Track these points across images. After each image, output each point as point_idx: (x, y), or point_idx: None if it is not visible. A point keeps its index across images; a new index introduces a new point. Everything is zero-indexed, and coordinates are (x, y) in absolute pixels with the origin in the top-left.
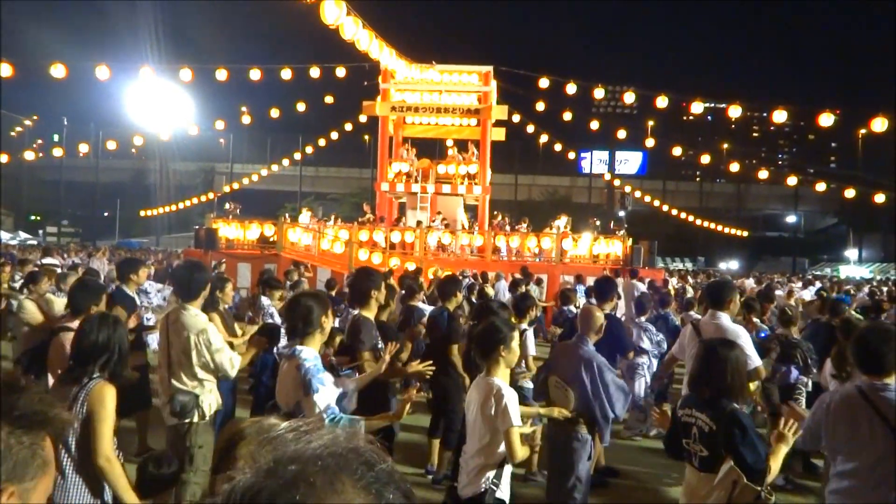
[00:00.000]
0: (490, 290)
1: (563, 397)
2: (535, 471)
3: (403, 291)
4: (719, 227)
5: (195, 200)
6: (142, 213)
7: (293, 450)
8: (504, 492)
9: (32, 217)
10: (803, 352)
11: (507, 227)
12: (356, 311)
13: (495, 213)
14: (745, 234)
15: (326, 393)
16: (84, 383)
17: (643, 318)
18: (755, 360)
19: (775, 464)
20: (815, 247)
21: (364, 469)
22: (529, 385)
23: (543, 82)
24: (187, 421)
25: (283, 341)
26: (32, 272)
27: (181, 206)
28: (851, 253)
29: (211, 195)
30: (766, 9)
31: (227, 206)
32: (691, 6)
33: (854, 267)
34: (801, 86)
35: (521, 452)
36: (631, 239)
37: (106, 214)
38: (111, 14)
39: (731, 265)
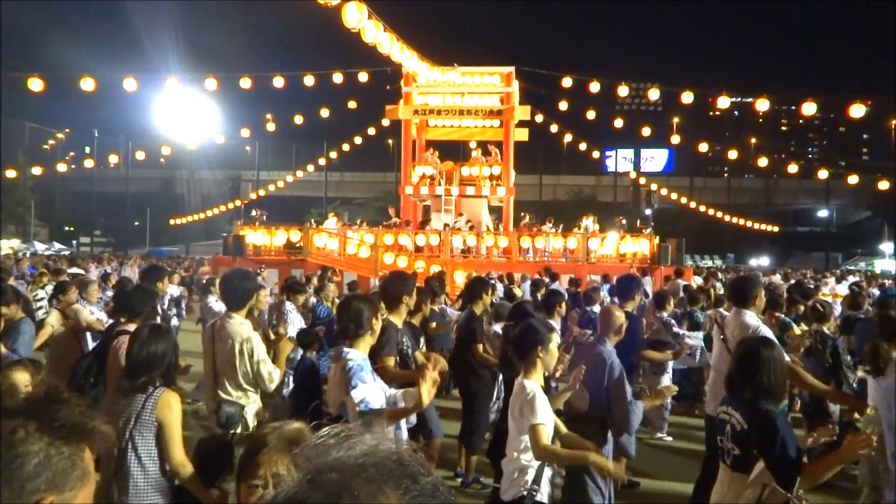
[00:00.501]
0: (518, 291)
1: (580, 398)
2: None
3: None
4: (748, 223)
5: (223, 208)
6: (171, 222)
7: (334, 458)
8: (544, 494)
9: (66, 228)
10: (834, 349)
11: (535, 228)
12: (384, 316)
13: (522, 213)
14: (776, 229)
15: (365, 389)
16: (150, 392)
17: (665, 314)
18: None
19: (824, 473)
20: (849, 241)
21: (409, 482)
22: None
23: (566, 81)
24: (231, 432)
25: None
26: (61, 282)
27: (209, 213)
28: (887, 246)
29: (238, 203)
30: (793, 1)
31: (253, 213)
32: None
33: (889, 261)
34: (831, 77)
35: (542, 451)
36: (658, 237)
37: (137, 224)
38: (137, 26)
39: (761, 261)
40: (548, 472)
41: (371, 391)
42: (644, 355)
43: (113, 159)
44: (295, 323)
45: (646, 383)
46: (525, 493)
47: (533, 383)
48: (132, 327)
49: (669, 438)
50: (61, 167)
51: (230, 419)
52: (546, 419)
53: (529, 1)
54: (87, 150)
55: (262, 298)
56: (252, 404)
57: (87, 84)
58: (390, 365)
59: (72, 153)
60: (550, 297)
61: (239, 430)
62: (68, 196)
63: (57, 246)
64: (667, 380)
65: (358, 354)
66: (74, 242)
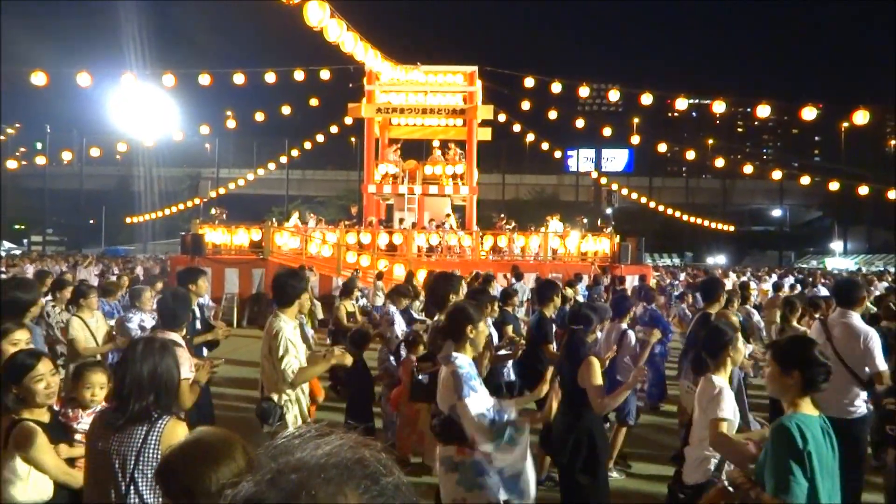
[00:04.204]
0: (570, 292)
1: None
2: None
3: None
4: (706, 223)
5: (181, 206)
6: (127, 221)
7: (297, 458)
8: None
9: (16, 226)
10: None
11: (509, 228)
12: (437, 317)
13: (501, 215)
14: (732, 228)
15: (478, 399)
16: (151, 423)
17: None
18: (880, 363)
19: None
20: (801, 240)
21: (369, 482)
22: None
23: (529, 81)
24: (271, 430)
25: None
26: (80, 286)
27: (167, 212)
28: (837, 245)
29: (197, 201)
30: (748, 4)
31: (213, 211)
32: (675, 3)
33: (840, 259)
34: (785, 81)
35: (718, 443)
36: (618, 236)
37: (91, 222)
38: (93, 20)
39: (718, 259)
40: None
41: (484, 401)
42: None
43: (66, 156)
44: (401, 325)
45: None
46: (705, 480)
47: (721, 379)
48: (174, 336)
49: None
50: (11, 163)
51: (264, 415)
52: (729, 415)
53: (493, 1)
54: (39, 145)
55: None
56: (293, 403)
57: (39, 78)
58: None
59: (22, 149)
60: (621, 301)
61: (278, 429)
62: (19, 193)
63: (7, 245)
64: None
65: (465, 360)
66: (25, 241)
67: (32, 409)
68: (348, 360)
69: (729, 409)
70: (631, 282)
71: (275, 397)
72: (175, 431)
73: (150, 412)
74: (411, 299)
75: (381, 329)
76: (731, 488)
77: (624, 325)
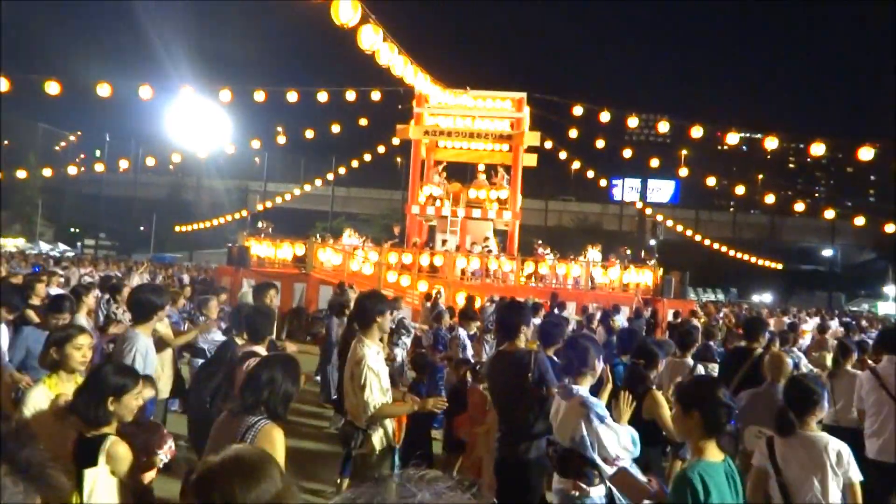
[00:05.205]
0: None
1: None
2: None
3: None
4: (752, 259)
5: (229, 218)
6: (177, 229)
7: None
8: None
9: (72, 230)
10: None
11: (550, 256)
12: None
13: (539, 241)
14: (779, 266)
15: (612, 435)
16: (252, 424)
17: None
18: None
19: None
20: (852, 282)
21: None
22: None
23: (577, 109)
24: (356, 453)
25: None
26: (114, 283)
27: (215, 222)
28: (890, 289)
29: (244, 213)
30: (805, 39)
31: (259, 224)
32: (729, 35)
33: (893, 304)
34: (841, 117)
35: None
36: (662, 268)
37: (142, 229)
38: (154, 36)
39: (764, 297)
40: None
41: (621, 436)
42: None
43: (123, 164)
44: (468, 349)
45: None
46: None
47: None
48: (258, 349)
49: None
50: (71, 169)
51: (346, 438)
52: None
53: (543, 28)
54: (98, 153)
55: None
56: (378, 426)
57: (104, 90)
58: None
59: (82, 156)
60: (688, 335)
61: (364, 452)
62: (76, 198)
63: (62, 247)
64: None
65: (585, 392)
66: (79, 244)
67: (112, 424)
68: (439, 405)
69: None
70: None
71: (356, 422)
72: (271, 434)
73: (255, 409)
74: (481, 323)
75: (451, 352)
76: None
77: (689, 360)
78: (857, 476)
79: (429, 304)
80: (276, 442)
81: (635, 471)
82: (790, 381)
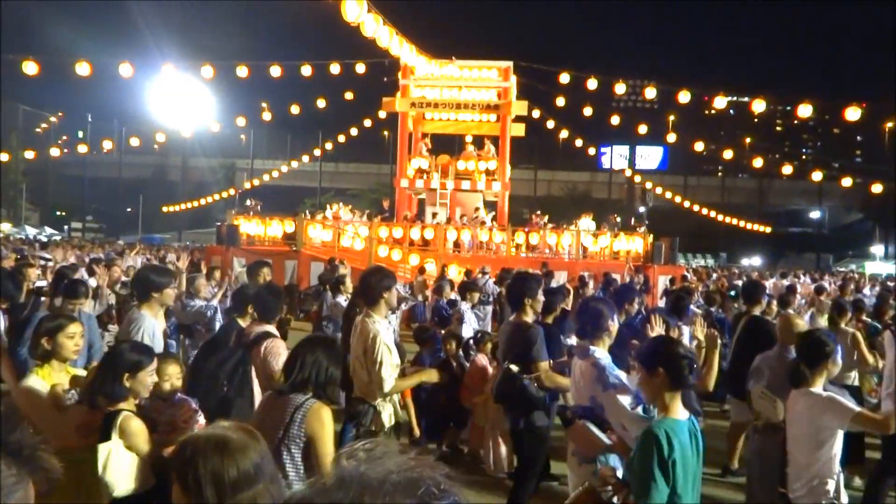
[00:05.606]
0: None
1: (771, 408)
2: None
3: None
4: (741, 223)
5: (216, 197)
6: (164, 209)
7: (360, 472)
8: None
9: (58, 213)
10: None
11: (545, 224)
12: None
13: (537, 212)
14: (768, 230)
15: (623, 390)
16: (300, 403)
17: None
18: None
19: None
20: (840, 243)
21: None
22: None
23: (563, 77)
24: (362, 430)
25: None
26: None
27: (203, 202)
28: (877, 249)
29: (232, 191)
30: (790, 1)
31: (248, 202)
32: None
33: (880, 263)
34: (827, 79)
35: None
36: (652, 235)
37: (129, 210)
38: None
39: (753, 261)
40: (840, 477)
41: (630, 390)
42: None
43: (106, 144)
44: (471, 322)
45: None
46: (825, 502)
47: (818, 389)
48: (269, 328)
49: None
50: (54, 151)
51: (354, 417)
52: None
53: None
54: (81, 134)
55: (393, 296)
56: (386, 404)
57: (83, 69)
58: (545, 368)
59: (65, 137)
60: (680, 300)
61: (372, 429)
62: (61, 180)
63: (48, 230)
64: None
65: (603, 353)
66: (66, 227)
67: (129, 400)
68: (435, 377)
69: (850, 402)
70: (663, 282)
71: (368, 398)
72: (320, 413)
73: (303, 388)
74: (481, 294)
75: (452, 327)
76: (599, 486)
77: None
78: (855, 407)
79: (421, 278)
80: (326, 421)
81: (594, 429)
82: (803, 335)
